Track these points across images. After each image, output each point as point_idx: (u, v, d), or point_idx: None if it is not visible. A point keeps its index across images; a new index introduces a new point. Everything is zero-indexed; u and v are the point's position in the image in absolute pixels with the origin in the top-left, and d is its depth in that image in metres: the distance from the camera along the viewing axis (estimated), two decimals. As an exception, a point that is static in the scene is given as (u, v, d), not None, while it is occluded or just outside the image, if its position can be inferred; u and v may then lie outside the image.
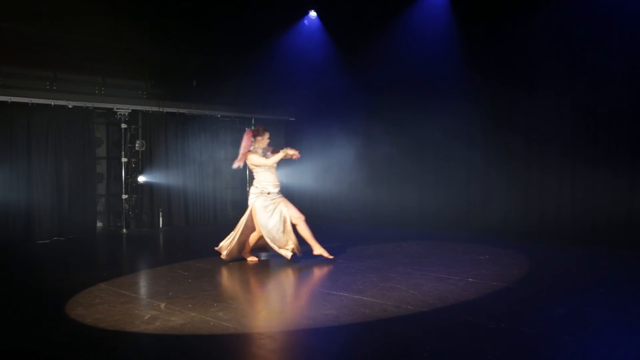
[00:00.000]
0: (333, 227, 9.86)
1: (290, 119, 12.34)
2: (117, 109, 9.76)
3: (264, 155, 6.79)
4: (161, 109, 10.29)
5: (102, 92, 9.64)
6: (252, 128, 6.98)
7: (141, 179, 10.07)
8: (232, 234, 6.83)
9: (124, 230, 9.85)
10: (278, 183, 6.82)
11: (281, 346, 4.01)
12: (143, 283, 6.11)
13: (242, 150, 6.77)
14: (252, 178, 12.20)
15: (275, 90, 11.72)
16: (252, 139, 6.80)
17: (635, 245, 7.62)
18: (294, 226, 6.67)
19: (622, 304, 4.90)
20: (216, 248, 6.90)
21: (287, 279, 6.26)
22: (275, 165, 6.78)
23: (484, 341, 3.94)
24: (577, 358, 3.69)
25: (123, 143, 9.94)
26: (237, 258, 6.87)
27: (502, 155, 9.42)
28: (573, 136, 8.61)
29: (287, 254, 6.54)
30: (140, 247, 8.77)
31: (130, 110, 9.89)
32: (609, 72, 8.16)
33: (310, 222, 6.75)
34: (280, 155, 6.69)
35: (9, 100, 8.56)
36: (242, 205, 12.39)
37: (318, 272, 6.33)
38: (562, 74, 8.57)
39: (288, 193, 12.54)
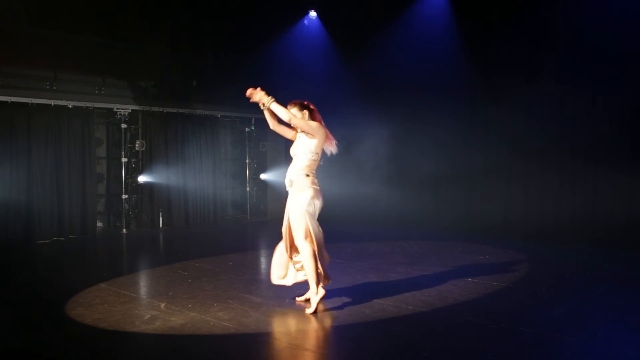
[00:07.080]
0: (332, 227, 9.83)
1: (290, 118, 12.31)
2: (117, 109, 9.76)
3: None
4: (161, 109, 10.29)
5: (102, 92, 9.64)
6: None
7: (141, 179, 10.07)
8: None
9: (124, 230, 9.85)
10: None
11: (280, 346, 4.01)
12: (143, 283, 6.11)
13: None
14: (254, 177, 12.37)
15: (275, 90, 11.69)
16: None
17: (635, 245, 7.62)
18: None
19: (622, 304, 4.90)
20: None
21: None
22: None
23: (484, 341, 3.94)
24: (577, 358, 3.69)
25: (123, 143, 9.94)
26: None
27: (502, 154, 9.41)
28: (574, 135, 8.59)
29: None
30: (140, 247, 8.77)
31: (130, 110, 9.90)
32: (610, 70, 8.14)
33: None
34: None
35: (9, 100, 8.57)
36: (242, 205, 12.43)
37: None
38: (563, 72, 8.55)
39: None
